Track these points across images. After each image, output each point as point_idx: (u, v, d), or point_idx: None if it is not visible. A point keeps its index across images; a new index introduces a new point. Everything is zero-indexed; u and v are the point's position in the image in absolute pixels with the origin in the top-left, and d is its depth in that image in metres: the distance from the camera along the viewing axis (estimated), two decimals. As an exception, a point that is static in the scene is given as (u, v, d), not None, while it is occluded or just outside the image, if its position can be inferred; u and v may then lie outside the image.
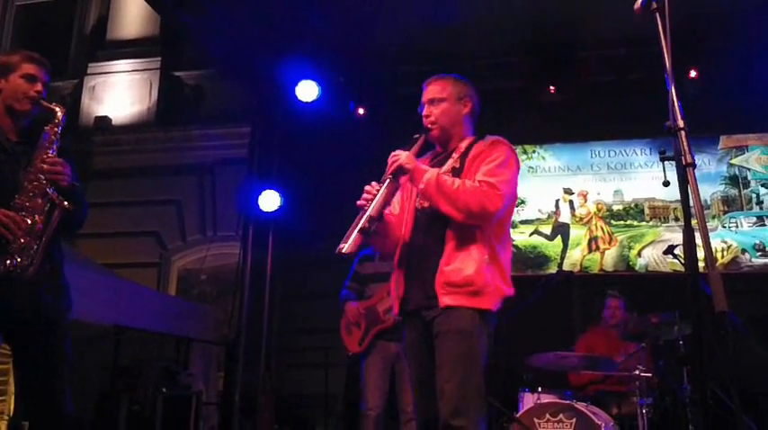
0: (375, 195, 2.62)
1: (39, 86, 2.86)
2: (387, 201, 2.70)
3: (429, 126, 2.84)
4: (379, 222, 2.66)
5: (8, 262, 2.58)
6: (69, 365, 2.81)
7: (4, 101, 2.85)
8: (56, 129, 2.81)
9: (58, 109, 2.85)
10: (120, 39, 9.52)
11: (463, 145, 2.85)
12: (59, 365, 2.77)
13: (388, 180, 2.67)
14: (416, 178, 2.66)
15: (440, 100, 2.86)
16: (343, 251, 2.54)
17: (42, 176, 2.71)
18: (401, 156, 2.67)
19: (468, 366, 2.53)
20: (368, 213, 2.58)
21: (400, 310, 2.77)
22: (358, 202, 2.65)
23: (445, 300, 2.57)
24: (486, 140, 2.82)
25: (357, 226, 2.56)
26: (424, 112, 2.88)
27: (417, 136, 2.83)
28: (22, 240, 2.62)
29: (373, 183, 2.68)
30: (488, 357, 2.60)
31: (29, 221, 2.65)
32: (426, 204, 2.74)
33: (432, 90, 2.89)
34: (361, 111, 6.75)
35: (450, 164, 2.80)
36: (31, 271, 2.61)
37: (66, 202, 2.71)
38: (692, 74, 6.17)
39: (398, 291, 2.77)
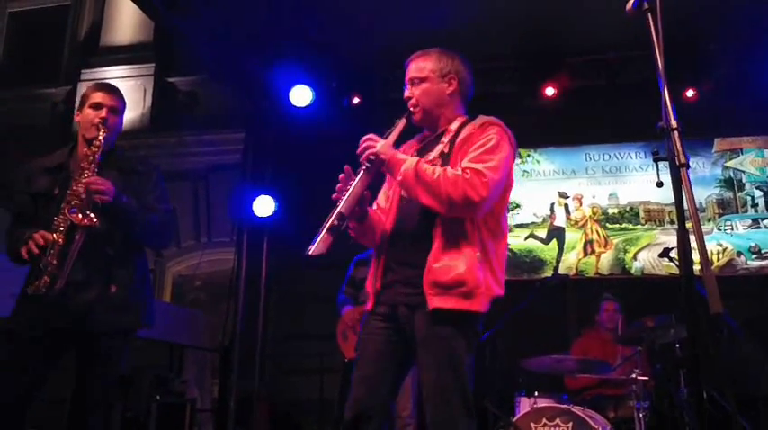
0: (348, 188, 2.40)
1: (103, 113, 3.03)
2: (360, 194, 2.43)
3: (411, 109, 2.61)
4: (352, 219, 2.46)
5: (37, 282, 2.73)
6: (115, 384, 2.95)
7: (81, 131, 3.08)
8: (94, 149, 2.94)
9: (100, 132, 2.98)
10: (114, 45, 9.50)
11: (453, 127, 2.61)
12: (102, 382, 2.88)
13: (361, 171, 2.42)
14: (394, 169, 2.43)
15: (420, 79, 2.61)
16: (312, 253, 2.31)
17: (77, 197, 2.83)
18: (377, 144, 2.44)
19: (455, 371, 2.35)
20: (337, 210, 2.36)
21: (375, 304, 2.54)
22: (334, 196, 2.43)
23: (435, 302, 2.34)
24: (476, 121, 2.58)
25: (327, 223, 2.35)
26: (406, 94, 2.64)
27: (398, 120, 2.60)
28: (55, 261, 2.74)
29: (347, 168, 2.46)
30: (474, 359, 2.42)
31: (59, 242, 2.76)
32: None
33: (412, 68, 2.65)
34: (356, 100, 6.70)
35: (439, 149, 2.57)
36: (57, 287, 2.72)
37: (93, 218, 2.79)
38: (689, 93, 6.21)
39: (375, 285, 2.55)
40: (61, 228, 2.79)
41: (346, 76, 6.69)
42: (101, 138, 2.94)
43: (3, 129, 8.73)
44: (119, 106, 3.12)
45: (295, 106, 6.47)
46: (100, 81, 3.18)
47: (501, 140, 2.50)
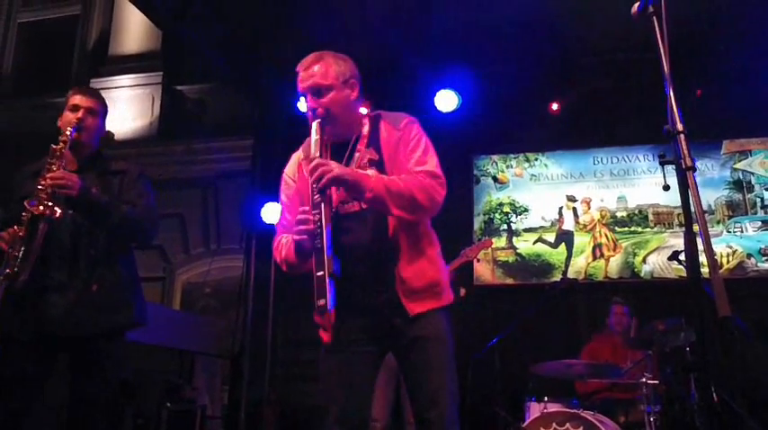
0: (320, 228, 2.24)
1: (79, 113, 3.04)
2: (329, 224, 2.27)
3: (320, 121, 2.45)
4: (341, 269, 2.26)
5: (7, 271, 2.76)
6: (108, 385, 2.95)
7: None
8: (60, 145, 2.95)
9: (67, 129, 2.99)
10: (122, 54, 9.57)
11: (365, 131, 2.53)
12: (93, 383, 2.90)
13: (322, 203, 2.27)
14: (360, 188, 2.29)
15: (326, 87, 2.47)
16: (328, 308, 2.15)
17: (44, 191, 2.83)
18: (330, 169, 2.25)
19: (451, 373, 2.44)
20: (326, 255, 2.20)
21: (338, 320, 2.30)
22: (297, 238, 2.31)
23: (414, 308, 2.38)
24: (394, 122, 2.53)
25: (324, 271, 2.18)
26: (310, 105, 2.49)
27: (315, 136, 2.43)
28: (17, 253, 2.77)
29: (305, 211, 2.31)
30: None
31: (20, 233, 2.80)
32: (354, 209, 2.44)
33: (315, 75, 2.48)
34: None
35: (365, 155, 2.48)
36: (21, 278, 2.75)
37: (56, 209, 2.82)
38: (697, 95, 6.20)
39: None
40: (23, 219, 2.82)
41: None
42: (67, 133, 2.96)
43: (13, 138, 8.79)
44: (97, 108, 3.11)
45: (303, 113, 6.47)
46: (79, 86, 3.20)
47: (426, 139, 2.53)
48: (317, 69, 2.50)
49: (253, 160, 7.27)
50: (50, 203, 2.82)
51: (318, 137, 2.42)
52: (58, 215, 2.82)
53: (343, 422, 2.50)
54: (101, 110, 3.15)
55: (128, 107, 9.26)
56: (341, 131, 2.52)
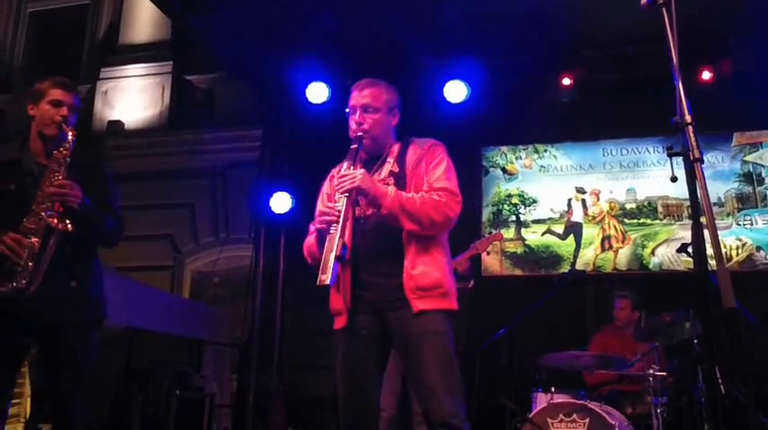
0: (338, 217, 2.54)
1: (64, 111, 2.99)
2: (347, 221, 2.59)
3: (361, 134, 2.76)
4: (347, 252, 2.58)
5: (12, 284, 2.73)
6: (86, 374, 2.95)
7: (36, 126, 3.03)
8: (64, 152, 2.92)
9: (69, 133, 2.95)
10: (132, 44, 9.59)
11: (395, 149, 2.84)
12: (72, 373, 2.90)
13: (345, 200, 2.58)
14: (379, 202, 2.58)
15: (375, 109, 2.80)
16: (327, 283, 2.44)
17: (49, 199, 2.83)
18: (357, 178, 2.57)
19: (451, 365, 2.58)
20: (338, 237, 2.50)
21: (349, 322, 2.66)
22: (317, 226, 2.63)
23: (419, 305, 2.57)
24: (420, 143, 2.81)
25: (332, 252, 2.47)
26: (357, 119, 2.79)
27: (354, 147, 2.74)
28: (30, 263, 2.75)
29: (329, 204, 2.65)
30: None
31: (35, 244, 2.78)
32: (370, 212, 2.70)
33: (366, 96, 2.82)
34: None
35: (387, 169, 2.78)
36: (31, 290, 2.74)
37: (68, 223, 2.81)
38: (706, 75, 6.13)
39: (346, 303, 2.67)
40: (33, 229, 2.79)
41: (363, 73, 6.69)
42: (71, 138, 2.93)
43: (23, 128, 8.84)
44: (76, 104, 3.08)
45: (312, 103, 6.49)
46: (56, 77, 3.10)
47: (449, 161, 2.78)
48: (370, 92, 2.83)
49: (261, 150, 7.28)
50: (66, 219, 2.80)
51: (356, 147, 2.73)
52: (70, 230, 2.82)
53: (350, 411, 2.67)
54: (79, 106, 3.12)
55: (137, 97, 9.30)
56: (375, 149, 2.82)
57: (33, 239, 2.78)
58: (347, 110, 2.86)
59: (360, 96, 2.82)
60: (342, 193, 2.58)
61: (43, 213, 2.81)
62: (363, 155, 2.80)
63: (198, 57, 9.13)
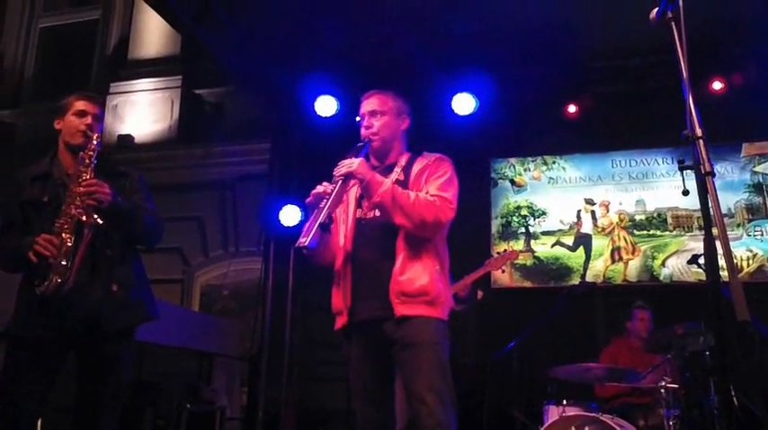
0: (330, 193, 2.66)
1: (88, 120, 3.09)
2: (338, 203, 2.76)
3: (371, 137, 2.90)
4: (331, 223, 2.74)
5: (46, 283, 2.78)
6: (120, 389, 3.00)
7: (63, 138, 3.13)
8: (90, 153, 2.98)
9: (93, 136, 3.03)
10: (142, 58, 9.65)
11: (403, 159, 2.93)
12: (109, 388, 2.95)
13: (339, 182, 2.70)
14: (372, 189, 2.69)
15: (381, 113, 2.93)
16: (305, 244, 2.55)
17: (79, 198, 2.88)
18: (353, 164, 2.71)
19: (442, 376, 2.59)
20: (325, 209, 2.62)
21: (349, 321, 2.76)
22: (308, 200, 2.73)
23: (401, 310, 2.61)
24: (428, 156, 2.91)
25: (317, 220, 2.60)
26: (365, 123, 2.94)
27: (362, 143, 2.88)
28: (64, 262, 2.80)
29: (324, 184, 2.73)
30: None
31: (68, 242, 2.82)
32: (371, 215, 2.81)
33: (372, 102, 2.97)
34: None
35: (392, 177, 2.85)
36: (68, 287, 2.79)
37: (97, 217, 2.86)
38: (717, 85, 6.14)
39: (346, 302, 2.76)
40: (66, 227, 2.85)
41: (371, 86, 6.72)
42: (95, 141, 3.00)
43: (34, 142, 8.90)
44: (101, 114, 3.19)
45: (320, 116, 6.52)
46: (81, 91, 3.24)
47: (454, 175, 2.86)
48: (377, 98, 2.98)
49: (270, 163, 7.31)
50: (93, 213, 2.85)
51: (361, 144, 2.86)
52: (100, 223, 2.86)
53: (360, 424, 2.76)
54: (103, 116, 3.23)
55: (147, 111, 9.34)
56: (383, 154, 2.95)
57: (65, 236, 2.83)
58: (357, 118, 3.00)
59: (367, 104, 2.98)
60: (338, 177, 2.69)
61: (74, 211, 2.86)
62: (374, 161, 2.94)
63: (207, 70, 9.19)
